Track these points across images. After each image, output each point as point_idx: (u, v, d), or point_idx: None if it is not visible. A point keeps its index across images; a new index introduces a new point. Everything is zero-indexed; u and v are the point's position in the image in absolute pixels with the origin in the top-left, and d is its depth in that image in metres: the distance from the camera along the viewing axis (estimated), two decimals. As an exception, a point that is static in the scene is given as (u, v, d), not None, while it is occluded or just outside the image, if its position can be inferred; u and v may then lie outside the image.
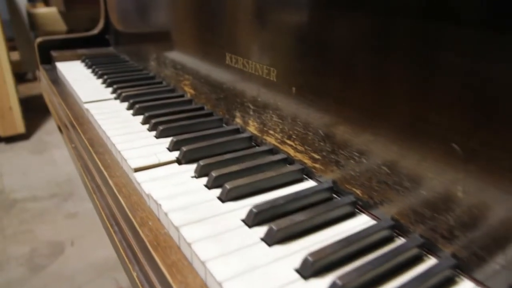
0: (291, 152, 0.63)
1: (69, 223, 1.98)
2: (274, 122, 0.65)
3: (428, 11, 0.42)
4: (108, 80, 1.01)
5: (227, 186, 0.54)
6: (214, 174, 0.57)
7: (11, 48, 2.97)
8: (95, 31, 1.40)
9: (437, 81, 0.42)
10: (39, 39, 1.30)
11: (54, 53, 1.28)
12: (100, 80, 1.07)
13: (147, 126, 0.77)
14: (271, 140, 0.67)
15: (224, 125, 0.78)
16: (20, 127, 2.64)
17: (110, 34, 1.40)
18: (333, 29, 0.53)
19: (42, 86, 1.31)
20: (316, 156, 0.59)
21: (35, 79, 3.85)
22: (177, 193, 0.55)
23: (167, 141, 0.71)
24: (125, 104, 0.89)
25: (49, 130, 2.89)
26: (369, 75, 0.49)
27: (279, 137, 0.65)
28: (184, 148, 0.64)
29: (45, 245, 1.83)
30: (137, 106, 0.83)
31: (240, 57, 0.70)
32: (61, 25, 2.99)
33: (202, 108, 0.84)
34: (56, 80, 1.17)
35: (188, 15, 0.87)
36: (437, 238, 0.46)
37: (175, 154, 0.66)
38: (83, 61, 1.26)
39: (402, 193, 0.48)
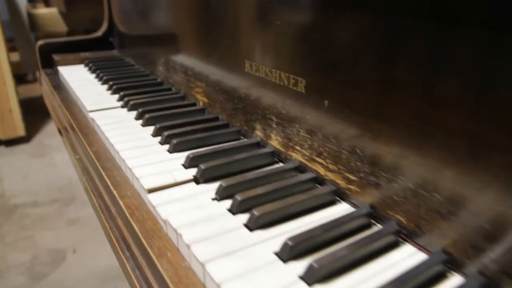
0: (321, 171, 0.57)
1: (70, 229, 1.91)
2: (302, 137, 0.59)
3: None
4: (114, 87, 0.94)
5: (256, 213, 0.47)
6: (239, 198, 0.50)
7: (11, 48, 2.89)
8: (99, 33, 1.33)
9: (502, 97, 0.36)
10: (40, 42, 1.23)
11: (56, 57, 1.21)
12: (105, 86, 1.00)
13: (159, 138, 0.71)
14: (297, 156, 0.60)
15: (242, 137, 0.72)
16: (20, 129, 2.57)
17: (114, 36, 1.33)
18: (375, 36, 0.46)
19: (44, 91, 1.24)
20: (352, 177, 0.52)
21: (35, 80, 3.77)
22: (197, 219, 0.49)
23: (182, 156, 0.64)
24: (134, 113, 0.82)
25: (49, 133, 2.82)
26: (419, 88, 0.43)
27: (307, 154, 0.58)
28: (202, 166, 0.58)
29: (46, 252, 1.76)
30: (147, 116, 0.76)
31: (262, 65, 0.63)
32: (61, 26, 2.92)
33: (217, 119, 0.77)
34: (59, 85, 1.10)
35: (201, 17, 0.80)
36: (503, 277, 0.39)
37: (192, 171, 0.60)
38: (86, 65, 1.19)
39: (458, 224, 0.42)
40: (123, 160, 0.63)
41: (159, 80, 1.02)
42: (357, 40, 0.48)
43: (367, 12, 0.47)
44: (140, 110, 0.79)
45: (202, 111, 0.81)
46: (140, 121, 0.78)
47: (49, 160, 2.49)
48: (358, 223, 0.49)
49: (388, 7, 0.45)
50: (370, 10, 0.46)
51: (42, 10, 2.73)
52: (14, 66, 2.65)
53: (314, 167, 0.58)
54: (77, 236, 1.85)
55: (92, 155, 0.70)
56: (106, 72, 1.07)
